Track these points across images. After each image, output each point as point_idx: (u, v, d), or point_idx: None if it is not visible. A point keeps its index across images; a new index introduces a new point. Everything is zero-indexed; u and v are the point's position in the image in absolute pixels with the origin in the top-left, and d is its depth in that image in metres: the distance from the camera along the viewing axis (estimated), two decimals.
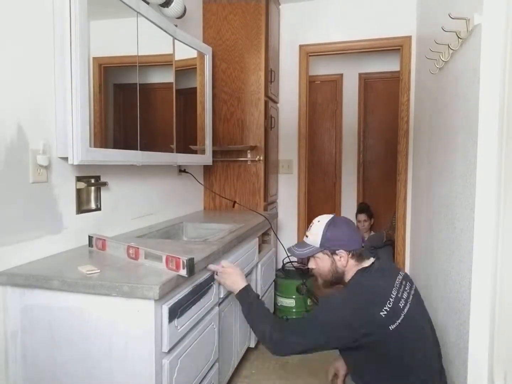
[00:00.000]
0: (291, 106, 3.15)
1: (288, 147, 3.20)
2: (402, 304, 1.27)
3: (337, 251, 1.38)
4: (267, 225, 2.46)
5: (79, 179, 1.56)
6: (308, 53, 3.09)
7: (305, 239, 1.45)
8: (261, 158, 2.69)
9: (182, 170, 2.41)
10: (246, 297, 1.45)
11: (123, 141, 1.80)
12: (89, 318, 1.17)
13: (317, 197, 4.19)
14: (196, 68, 2.40)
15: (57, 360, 1.20)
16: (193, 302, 1.34)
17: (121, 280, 1.14)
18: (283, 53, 3.12)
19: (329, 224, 1.39)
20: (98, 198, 1.67)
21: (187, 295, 1.29)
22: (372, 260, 1.41)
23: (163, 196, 2.23)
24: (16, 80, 1.28)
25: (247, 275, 2.03)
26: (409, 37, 2.88)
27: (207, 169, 2.78)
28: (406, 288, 1.34)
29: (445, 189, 1.80)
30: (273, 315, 1.45)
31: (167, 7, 2.01)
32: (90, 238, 1.53)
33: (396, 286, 1.31)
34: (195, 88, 2.41)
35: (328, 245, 1.38)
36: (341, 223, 1.42)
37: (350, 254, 1.38)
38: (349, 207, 4.22)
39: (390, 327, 1.22)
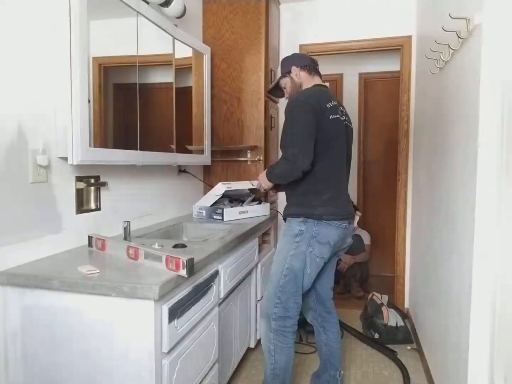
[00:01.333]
0: None
1: None
2: (339, 115, 1.70)
3: (290, 69, 1.80)
4: (267, 225, 2.46)
5: (78, 179, 1.55)
6: (308, 53, 3.08)
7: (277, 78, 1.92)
8: (261, 158, 2.68)
9: (182, 170, 2.41)
10: (268, 177, 1.77)
11: (123, 141, 1.80)
12: (89, 318, 1.16)
13: None
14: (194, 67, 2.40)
15: (57, 360, 1.20)
16: (193, 303, 1.33)
17: (121, 280, 1.14)
18: (283, 52, 3.11)
19: (283, 59, 1.87)
20: (97, 198, 1.67)
21: (187, 295, 1.29)
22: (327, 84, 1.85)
23: (163, 196, 2.23)
24: (15, 79, 1.28)
25: (247, 275, 2.03)
26: (409, 37, 2.87)
27: (207, 169, 2.78)
28: (344, 118, 1.76)
29: (445, 189, 1.80)
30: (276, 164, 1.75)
31: (167, 6, 2.00)
32: (89, 238, 1.52)
33: (338, 109, 1.72)
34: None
35: (284, 69, 1.83)
36: (292, 54, 1.91)
37: (300, 68, 1.79)
38: None
39: (329, 117, 1.65)
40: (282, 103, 3.14)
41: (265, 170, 1.80)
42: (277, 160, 3.10)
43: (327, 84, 1.86)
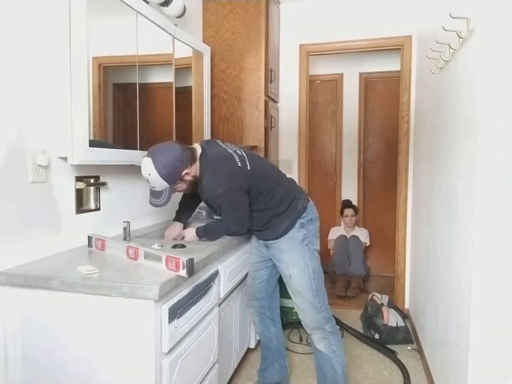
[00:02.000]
0: (291, 105, 3.15)
1: (288, 147, 3.19)
2: (240, 152, 1.66)
3: (182, 177, 1.56)
4: None
5: (78, 179, 1.55)
6: (308, 53, 3.09)
7: (154, 189, 1.56)
8: None
9: None
10: (200, 232, 1.75)
11: (122, 141, 1.80)
12: (89, 319, 1.16)
13: (317, 197, 4.14)
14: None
15: (57, 361, 1.20)
16: (193, 303, 1.33)
17: (121, 280, 1.14)
18: (283, 52, 3.12)
19: (155, 165, 1.49)
20: (97, 198, 1.67)
21: (187, 295, 1.28)
22: (198, 145, 1.66)
23: None
24: (15, 80, 1.28)
25: (247, 275, 2.02)
26: (410, 37, 2.87)
27: None
28: (236, 149, 1.70)
29: (445, 189, 1.80)
30: (213, 222, 1.84)
31: (167, 6, 2.00)
32: (89, 238, 1.52)
33: (227, 145, 1.69)
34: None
35: (173, 180, 1.55)
36: (161, 155, 1.51)
37: (189, 165, 1.57)
38: None
39: (247, 168, 1.61)
40: (282, 102, 3.15)
41: (196, 229, 1.77)
42: (277, 160, 3.14)
43: (198, 147, 1.66)
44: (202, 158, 1.62)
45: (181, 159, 1.54)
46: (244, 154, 1.69)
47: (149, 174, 1.50)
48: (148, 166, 1.49)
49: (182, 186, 1.61)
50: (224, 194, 1.56)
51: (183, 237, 1.85)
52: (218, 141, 1.76)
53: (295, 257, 1.69)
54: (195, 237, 1.77)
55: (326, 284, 1.79)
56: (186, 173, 1.57)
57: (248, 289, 1.94)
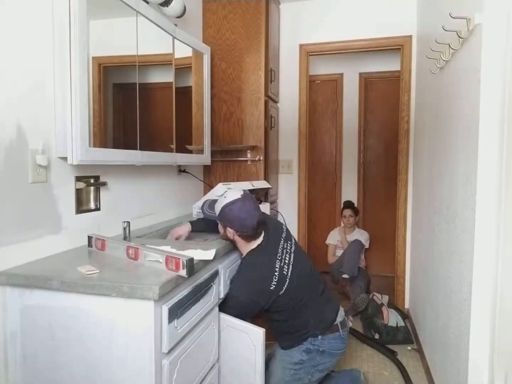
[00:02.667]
0: (291, 105, 3.15)
1: (288, 147, 3.19)
2: (286, 270, 1.63)
3: (228, 227, 1.62)
4: None
5: (78, 179, 1.55)
6: (308, 53, 3.09)
7: (215, 205, 1.68)
8: (261, 158, 2.68)
9: (182, 170, 2.41)
10: None
11: (122, 141, 1.80)
12: (89, 319, 1.16)
13: (318, 197, 4.18)
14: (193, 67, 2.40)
15: (57, 361, 1.20)
16: (193, 303, 1.33)
17: (121, 280, 1.14)
18: (283, 52, 3.12)
19: (229, 205, 1.59)
20: (97, 198, 1.67)
21: (187, 295, 1.28)
22: (261, 239, 1.66)
23: (163, 196, 2.22)
24: (15, 79, 1.28)
25: None
26: (410, 37, 2.87)
27: (207, 169, 2.78)
28: (287, 250, 1.69)
29: (445, 189, 1.80)
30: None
31: (167, 6, 2.00)
32: (89, 238, 1.52)
33: (279, 256, 1.64)
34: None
35: (222, 220, 1.64)
36: (240, 208, 1.59)
37: (238, 233, 1.61)
38: None
39: (279, 292, 1.59)
40: (282, 103, 3.15)
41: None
42: (277, 160, 3.14)
43: (261, 239, 1.68)
44: (248, 255, 1.65)
45: (241, 226, 1.59)
46: (291, 267, 1.64)
47: (225, 197, 1.63)
48: (228, 194, 1.64)
49: (225, 235, 1.67)
50: (236, 298, 1.60)
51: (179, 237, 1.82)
52: (282, 233, 1.74)
53: (274, 371, 1.68)
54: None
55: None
56: (232, 234, 1.63)
57: None
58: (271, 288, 1.59)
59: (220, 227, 1.70)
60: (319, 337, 1.66)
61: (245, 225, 1.59)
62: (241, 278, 1.64)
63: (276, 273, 1.61)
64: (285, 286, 1.61)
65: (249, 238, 1.64)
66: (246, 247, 1.67)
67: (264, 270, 1.62)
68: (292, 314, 1.66)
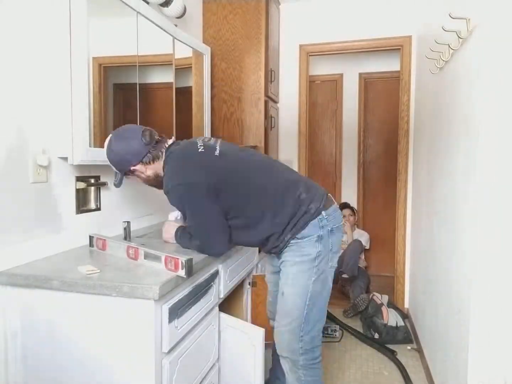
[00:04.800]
0: (291, 106, 3.15)
1: (288, 147, 3.20)
2: (211, 142, 1.41)
3: (131, 171, 1.39)
4: None
5: (79, 179, 1.55)
6: (308, 53, 3.09)
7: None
8: None
9: None
10: (176, 235, 1.50)
11: None
12: (89, 318, 1.16)
13: None
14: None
15: (57, 361, 1.20)
16: (193, 302, 1.33)
17: (121, 280, 1.14)
18: (283, 53, 3.12)
19: (108, 147, 1.38)
20: (98, 198, 1.67)
21: (187, 295, 1.28)
22: (168, 143, 1.43)
23: (163, 196, 2.22)
24: (15, 80, 1.28)
25: (247, 275, 2.03)
26: (409, 37, 2.88)
27: None
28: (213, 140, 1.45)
29: (445, 189, 1.80)
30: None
31: (167, 6, 2.01)
32: (90, 238, 1.52)
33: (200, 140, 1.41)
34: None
35: (120, 169, 1.39)
36: (117, 139, 1.37)
37: (142, 163, 1.37)
38: None
39: (213, 153, 1.35)
40: (282, 103, 3.15)
41: (176, 230, 1.51)
42: (277, 159, 3.13)
43: (170, 140, 1.47)
44: (168, 155, 1.41)
45: (133, 153, 1.35)
46: (218, 142, 1.43)
47: (105, 152, 1.40)
48: (105, 143, 1.40)
49: (134, 179, 1.45)
50: (176, 190, 1.32)
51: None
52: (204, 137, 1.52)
53: (295, 277, 1.42)
54: (172, 237, 1.53)
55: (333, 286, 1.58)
56: (135, 169, 1.39)
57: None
58: (200, 150, 1.35)
59: (136, 180, 1.46)
60: (323, 213, 1.39)
61: (135, 148, 1.35)
62: (166, 173, 1.38)
63: (198, 142, 1.40)
64: (217, 148, 1.37)
65: (154, 158, 1.38)
66: (159, 165, 1.40)
67: (182, 145, 1.43)
68: (261, 196, 1.37)
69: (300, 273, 1.43)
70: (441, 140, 1.92)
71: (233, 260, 1.76)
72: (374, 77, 4.09)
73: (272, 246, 1.45)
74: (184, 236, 1.48)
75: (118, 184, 1.45)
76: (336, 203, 1.50)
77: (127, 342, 1.13)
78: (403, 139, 2.96)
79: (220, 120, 2.73)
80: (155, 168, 1.41)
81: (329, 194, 1.49)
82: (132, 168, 1.39)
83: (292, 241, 1.42)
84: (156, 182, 1.45)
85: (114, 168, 1.42)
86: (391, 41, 2.92)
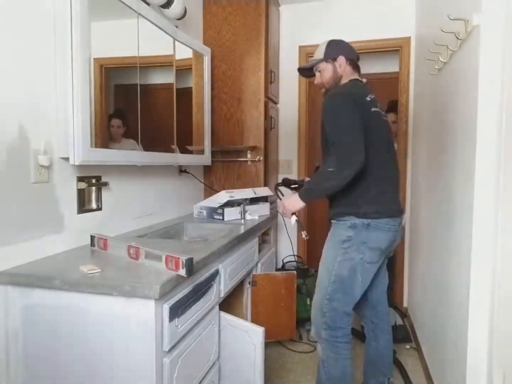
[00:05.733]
0: (291, 106, 3.16)
1: (288, 148, 3.21)
2: (378, 108, 1.65)
3: (337, 58, 1.69)
4: (267, 225, 2.47)
5: (80, 179, 1.56)
6: (308, 54, 3.10)
7: (309, 59, 1.75)
8: (261, 158, 2.69)
9: (182, 170, 2.42)
10: (306, 192, 1.61)
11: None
12: (90, 318, 1.17)
13: None
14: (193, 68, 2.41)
15: (58, 360, 1.21)
16: (194, 302, 1.34)
17: (122, 279, 1.15)
18: (283, 54, 3.13)
19: (331, 41, 1.74)
20: (99, 198, 1.68)
21: (187, 294, 1.29)
22: (364, 80, 1.75)
23: (164, 196, 2.23)
24: (17, 80, 1.29)
25: (247, 274, 2.04)
26: (408, 38, 2.89)
27: (207, 169, 2.79)
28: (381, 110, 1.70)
29: (444, 189, 1.81)
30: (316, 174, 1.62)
31: (168, 8, 2.02)
32: (92, 237, 1.53)
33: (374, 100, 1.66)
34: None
35: (330, 54, 1.70)
36: (340, 41, 1.76)
37: (348, 61, 1.70)
38: None
39: (371, 109, 1.60)
40: (282, 103, 3.16)
41: (296, 194, 1.62)
42: (277, 160, 3.16)
43: (364, 80, 1.77)
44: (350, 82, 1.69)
45: (348, 52, 1.72)
46: (382, 112, 1.69)
47: (321, 43, 1.76)
48: (326, 41, 1.76)
49: (324, 72, 1.73)
50: (334, 104, 1.56)
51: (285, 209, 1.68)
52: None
53: (326, 253, 1.63)
54: (299, 202, 1.60)
55: None
56: (340, 62, 1.69)
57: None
58: (368, 99, 1.62)
59: (320, 75, 1.74)
60: (380, 217, 1.55)
61: (351, 51, 1.73)
62: (330, 93, 1.65)
63: (369, 96, 1.64)
64: (377, 114, 1.63)
65: (356, 67, 1.73)
66: (349, 75, 1.70)
67: (359, 89, 1.67)
68: (361, 171, 1.48)
69: (329, 250, 1.63)
70: (440, 140, 1.93)
71: (234, 259, 1.78)
72: (373, 78, 4.09)
73: (333, 205, 1.68)
74: (309, 183, 1.63)
75: (308, 65, 1.82)
76: (398, 218, 1.63)
77: (128, 341, 1.14)
78: (402, 140, 2.97)
79: (220, 121, 2.75)
80: (345, 74, 1.71)
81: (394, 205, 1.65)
82: (339, 57, 1.69)
83: (333, 221, 1.65)
84: (330, 83, 1.73)
85: (321, 54, 1.73)
86: (390, 43, 2.94)
